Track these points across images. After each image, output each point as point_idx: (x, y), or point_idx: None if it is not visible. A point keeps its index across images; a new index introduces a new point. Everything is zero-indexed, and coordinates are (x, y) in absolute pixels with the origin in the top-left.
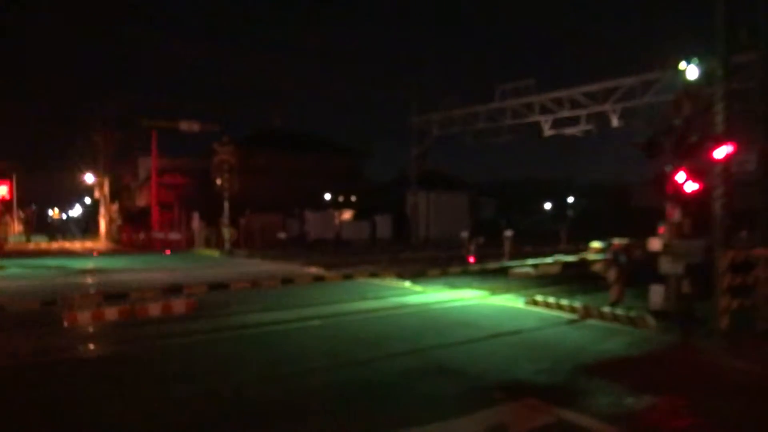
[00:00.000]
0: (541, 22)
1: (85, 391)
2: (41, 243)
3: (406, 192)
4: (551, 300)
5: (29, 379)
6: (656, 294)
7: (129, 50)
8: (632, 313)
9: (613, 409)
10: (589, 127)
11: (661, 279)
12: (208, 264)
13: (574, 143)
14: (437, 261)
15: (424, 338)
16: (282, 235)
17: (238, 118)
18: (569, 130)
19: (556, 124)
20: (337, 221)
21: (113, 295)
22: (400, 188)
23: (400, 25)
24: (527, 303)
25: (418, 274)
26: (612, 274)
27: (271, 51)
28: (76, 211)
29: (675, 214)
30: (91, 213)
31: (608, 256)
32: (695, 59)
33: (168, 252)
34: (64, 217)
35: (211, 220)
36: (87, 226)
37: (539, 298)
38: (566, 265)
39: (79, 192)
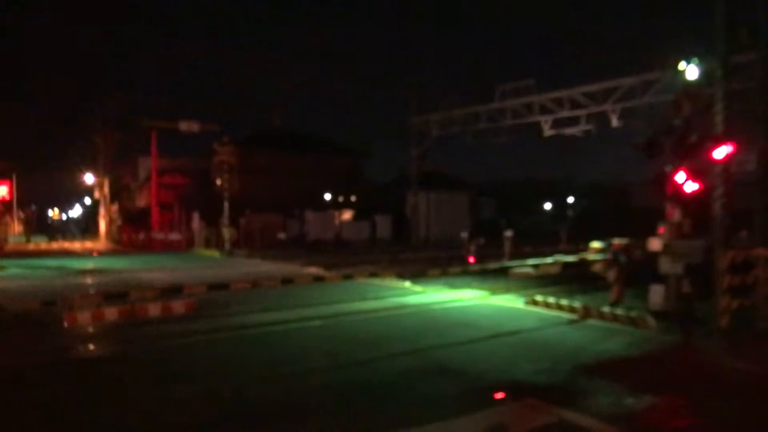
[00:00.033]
0: (541, 22)
1: (85, 391)
2: (41, 243)
3: (406, 192)
4: (551, 300)
5: (29, 379)
6: (656, 294)
7: (129, 50)
8: (632, 313)
9: (613, 409)
10: (589, 127)
11: (661, 279)
12: (208, 264)
13: (574, 143)
14: (437, 261)
15: (424, 338)
16: (282, 236)
17: (238, 118)
18: (569, 130)
19: (556, 124)
20: (337, 221)
21: (113, 295)
22: (400, 188)
23: (400, 25)
24: (527, 303)
25: (418, 274)
26: (612, 274)
27: (271, 51)
28: (76, 211)
29: (675, 214)
30: (91, 213)
31: (608, 256)
32: (695, 59)
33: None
34: (64, 217)
35: (211, 220)
36: (87, 226)
37: (539, 298)
38: (566, 265)
39: (79, 192)
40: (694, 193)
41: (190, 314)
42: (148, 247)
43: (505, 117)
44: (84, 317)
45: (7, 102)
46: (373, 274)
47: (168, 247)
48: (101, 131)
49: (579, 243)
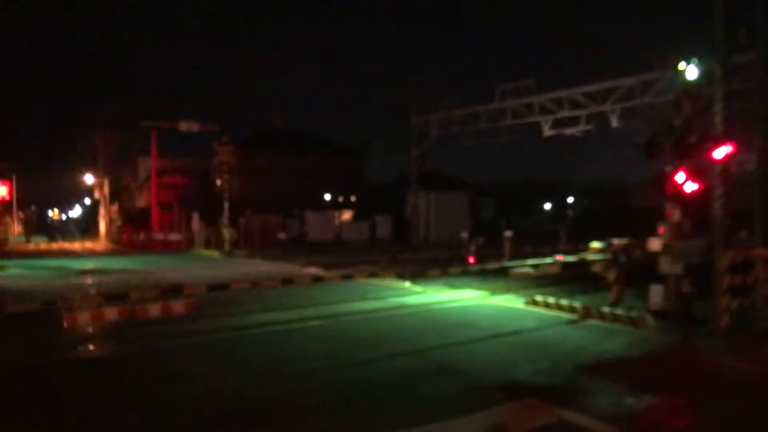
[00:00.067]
0: (541, 22)
1: (85, 391)
2: (41, 244)
3: (406, 192)
4: (551, 300)
5: (29, 379)
6: (656, 294)
7: (129, 50)
8: (632, 314)
9: (613, 409)
10: (588, 127)
11: (660, 279)
12: (208, 264)
13: (574, 143)
14: (437, 261)
15: (424, 338)
16: (282, 236)
17: (238, 118)
18: (569, 131)
19: (556, 124)
20: (336, 222)
21: (113, 295)
22: (400, 188)
23: (400, 25)
24: (527, 303)
25: (418, 274)
26: (612, 275)
27: (271, 51)
28: (76, 211)
29: (675, 214)
30: (90, 214)
31: (608, 256)
32: (695, 59)
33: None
34: (64, 217)
35: (211, 220)
36: (87, 226)
37: (539, 298)
38: (566, 265)
39: (78, 193)
40: (694, 193)
41: (190, 314)
42: (147, 248)
43: (505, 117)
44: (84, 317)
45: (7, 102)
46: (373, 275)
47: (168, 248)
48: (101, 131)
49: (579, 243)
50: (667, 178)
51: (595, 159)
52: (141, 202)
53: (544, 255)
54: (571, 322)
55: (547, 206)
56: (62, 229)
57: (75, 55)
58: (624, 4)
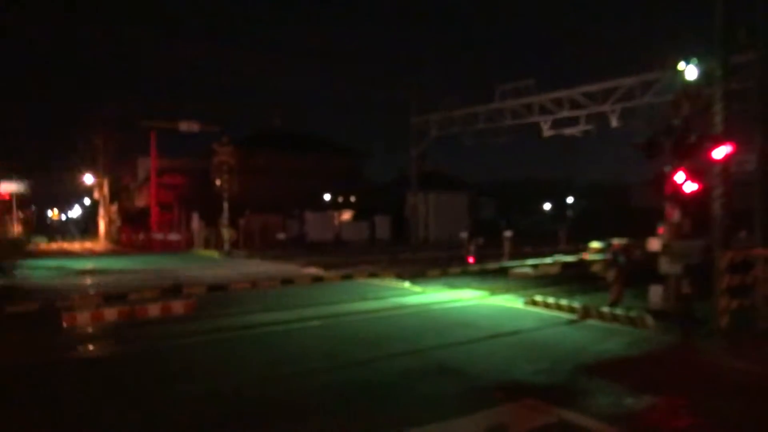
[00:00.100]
0: (541, 22)
1: (85, 391)
2: (40, 244)
3: (406, 192)
4: (550, 300)
5: (29, 379)
6: (656, 294)
7: (129, 50)
8: (632, 314)
9: (613, 409)
10: (588, 127)
11: (660, 279)
12: (208, 264)
13: (574, 143)
14: (437, 261)
15: (424, 339)
16: (281, 236)
17: (238, 118)
18: (569, 131)
19: (556, 124)
20: (336, 222)
21: (113, 295)
22: (399, 189)
23: (400, 25)
24: (527, 303)
25: (418, 274)
26: (611, 275)
27: (271, 51)
28: (76, 212)
29: (674, 214)
30: (90, 214)
31: (607, 256)
32: (694, 59)
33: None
34: (64, 218)
35: (211, 220)
36: (86, 227)
37: (538, 298)
38: (566, 265)
39: (78, 193)
40: (694, 193)
41: (190, 314)
42: (147, 248)
43: (504, 117)
44: (83, 317)
45: (7, 102)
46: (373, 275)
47: (167, 248)
48: (101, 132)
49: (578, 243)
50: (666, 178)
51: (595, 159)
52: (140, 202)
53: (544, 255)
54: (570, 322)
55: (547, 206)
56: (62, 230)
57: (75, 55)
58: (624, 4)
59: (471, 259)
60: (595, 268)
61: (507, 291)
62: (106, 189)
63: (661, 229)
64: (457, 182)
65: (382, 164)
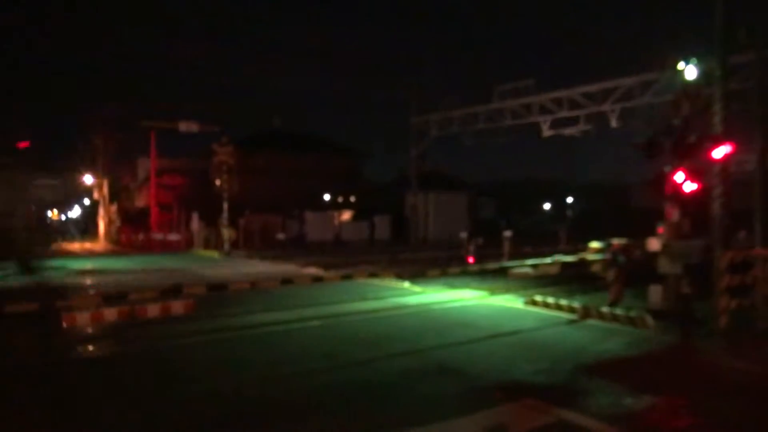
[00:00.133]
0: (541, 22)
1: (85, 391)
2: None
3: (406, 192)
4: (550, 300)
5: (29, 379)
6: (655, 294)
7: (129, 50)
8: (631, 313)
9: (612, 409)
10: (588, 127)
11: (660, 279)
12: (208, 264)
13: (574, 143)
14: (436, 261)
15: (424, 339)
16: (281, 236)
17: (237, 118)
18: (568, 131)
19: (555, 124)
20: (336, 222)
21: (112, 296)
22: (399, 189)
23: (400, 25)
24: (526, 303)
25: (418, 274)
26: (611, 274)
27: (271, 51)
28: (75, 212)
29: (674, 214)
30: (90, 214)
31: (607, 256)
32: (694, 59)
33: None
34: (63, 218)
35: (211, 220)
36: (86, 227)
37: (538, 298)
38: (565, 265)
39: (78, 193)
40: (693, 193)
41: (190, 315)
42: (147, 248)
43: (504, 117)
44: (83, 318)
45: (7, 102)
46: (373, 275)
47: (167, 248)
48: (101, 132)
49: (578, 243)
50: (666, 178)
51: (594, 159)
52: (140, 202)
53: (544, 255)
54: (570, 322)
55: (547, 206)
56: (61, 230)
57: (75, 55)
58: (624, 4)
59: (471, 259)
60: (595, 268)
61: (507, 291)
62: (105, 189)
63: (660, 229)
64: (457, 182)
65: (382, 164)
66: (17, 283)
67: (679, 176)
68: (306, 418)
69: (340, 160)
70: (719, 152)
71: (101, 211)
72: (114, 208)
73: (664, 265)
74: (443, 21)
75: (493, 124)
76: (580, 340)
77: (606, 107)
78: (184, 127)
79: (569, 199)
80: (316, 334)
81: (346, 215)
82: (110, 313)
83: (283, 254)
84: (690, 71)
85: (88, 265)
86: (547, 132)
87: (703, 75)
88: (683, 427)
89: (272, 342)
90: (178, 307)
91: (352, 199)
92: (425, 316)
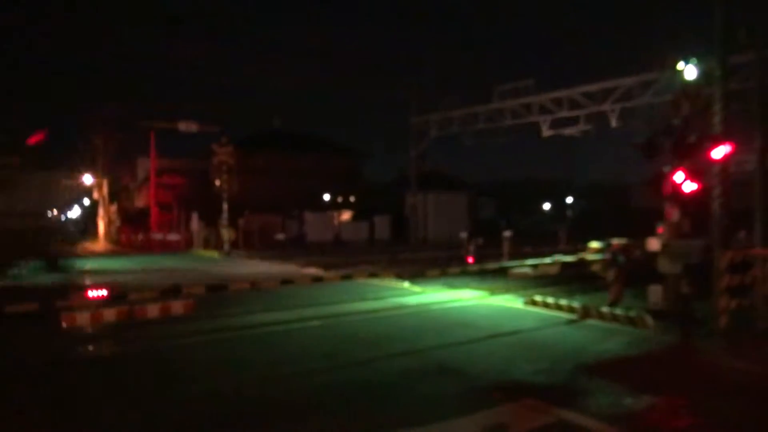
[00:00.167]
0: (541, 22)
1: (85, 391)
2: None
3: (406, 192)
4: (550, 300)
5: (29, 379)
6: (655, 294)
7: (129, 50)
8: (631, 313)
9: (612, 409)
10: (587, 127)
11: (660, 279)
12: (207, 265)
13: (574, 143)
14: (436, 261)
15: (424, 339)
16: (281, 236)
17: (237, 118)
18: (568, 131)
19: (555, 124)
20: (336, 222)
21: (112, 296)
22: (399, 189)
23: (400, 25)
24: (526, 303)
25: (417, 274)
26: (611, 274)
27: (271, 51)
28: (75, 212)
29: (674, 214)
30: (89, 214)
31: (607, 256)
32: (694, 59)
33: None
34: (63, 218)
35: (210, 220)
36: (86, 227)
37: (538, 298)
38: (565, 265)
39: (77, 193)
40: (693, 193)
41: (190, 315)
42: (146, 248)
43: (504, 117)
44: (83, 318)
45: (7, 102)
46: (372, 275)
47: (167, 248)
48: (101, 132)
49: (578, 243)
50: (665, 178)
51: (594, 159)
52: (140, 202)
53: (544, 255)
54: (570, 322)
55: (547, 206)
56: (62, 230)
57: (75, 55)
58: (624, 4)
59: (470, 259)
60: (595, 267)
61: (506, 291)
62: (105, 189)
63: (660, 229)
64: (457, 182)
65: (381, 164)
66: (45, 282)
67: (678, 176)
68: (306, 418)
69: (340, 160)
70: (719, 152)
71: (101, 212)
72: (114, 208)
73: (664, 265)
74: (443, 21)
75: (493, 124)
76: (580, 340)
77: (606, 107)
78: (183, 126)
79: (569, 199)
80: (316, 334)
81: (346, 215)
82: (109, 314)
83: (282, 254)
84: (690, 71)
85: (87, 265)
86: (547, 132)
87: (703, 75)
88: (683, 427)
89: (272, 342)
90: (177, 307)
91: (352, 199)
92: (425, 316)
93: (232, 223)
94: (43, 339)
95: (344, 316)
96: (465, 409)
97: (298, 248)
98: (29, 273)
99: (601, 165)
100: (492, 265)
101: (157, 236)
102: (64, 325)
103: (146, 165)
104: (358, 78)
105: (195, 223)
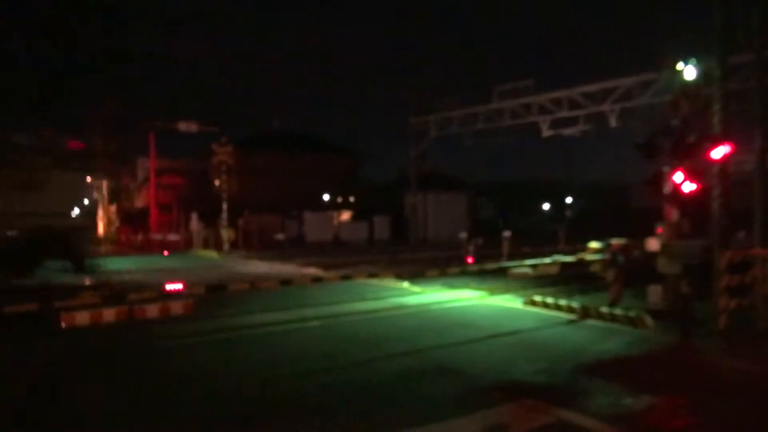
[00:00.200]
0: (541, 22)
1: (85, 391)
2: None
3: (405, 193)
4: (550, 300)
5: (28, 380)
6: (655, 294)
7: (129, 50)
8: (631, 314)
9: (612, 409)
10: (587, 127)
11: (659, 279)
12: (207, 265)
13: (573, 143)
14: (436, 261)
15: (423, 339)
16: (280, 236)
17: (237, 118)
18: (568, 131)
19: (555, 124)
20: (335, 222)
21: (111, 296)
22: (399, 189)
23: (400, 25)
24: (526, 303)
25: (417, 274)
26: (610, 275)
27: (271, 51)
28: (75, 212)
29: (673, 214)
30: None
31: (606, 256)
32: (693, 59)
33: (166, 253)
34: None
35: (210, 221)
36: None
37: (538, 298)
38: (565, 265)
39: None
40: (692, 193)
41: (189, 315)
42: (146, 248)
43: (503, 117)
44: (82, 318)
45: (7, 102)
46: (372, 275)
47: (166, 248)
48: (101, 132)
49: (577, 243)
50: (665, 178)
51: (594, 159)
52: (140, 202)
53: (543, 255)
54: (569, 322)
55: (546, 206)
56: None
57: (75, 55)
58: (624, 4)
59: (470, 259)
60: (594, 268)
61: (506, 291)
62: (105, 189)
63: (660, 229)
64: (457, 182)
65: (381, 164)
66: (73, 282)
67: (678, 176)
68: (306, 418)
69: (340, 161)
70: (718, 152)
71: (100, 212)
72: (113, 208)
73: (664, 265)
74: (443, 21)
75: (492, 124)
76: (580, 340)
77: (605, 107)
78: (183, 127)
79: (569, 199)
80: (315, 334)
81: (346, 215)
82: (109, 314)
83: (282, 254)
84: (689, 71)
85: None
86: (546, 132)
87: (703, 75)
88: (683, 427)
89: (272, 342)
90: (177, 307)
91: (352, 199)
92: (424, 317)
93: (232, 224)
94: (42, 339)
95: (344, 317)
96: (465, 409)
97: (297, 248)
98: (56, 273)
99: (600, 165)
100: (491, 265)
101: (157, 236)
102: (63, 325)
103: (146, 165)
104: (358, 78)
105: (195, 223)
